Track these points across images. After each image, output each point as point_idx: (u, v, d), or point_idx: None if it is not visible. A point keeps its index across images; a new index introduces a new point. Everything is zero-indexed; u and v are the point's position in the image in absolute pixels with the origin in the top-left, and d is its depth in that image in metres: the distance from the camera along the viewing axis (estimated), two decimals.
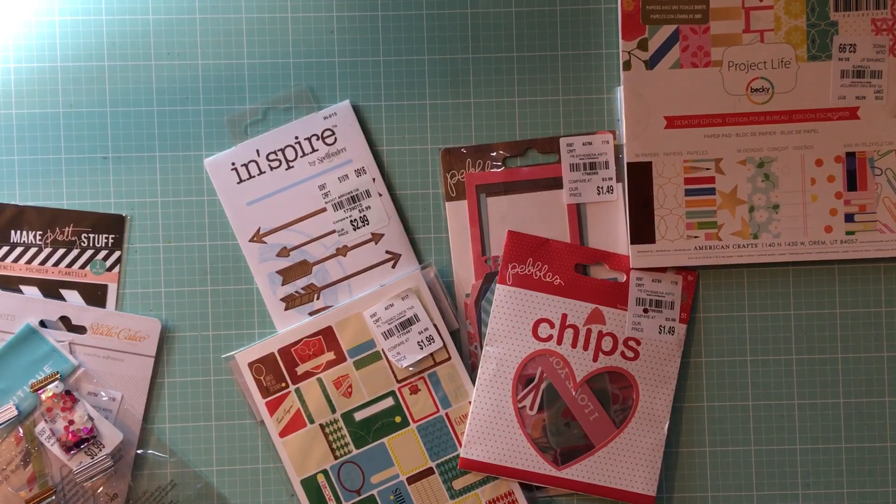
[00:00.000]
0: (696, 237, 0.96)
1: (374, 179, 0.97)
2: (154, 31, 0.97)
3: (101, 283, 0.96)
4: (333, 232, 0.97)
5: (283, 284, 0.97)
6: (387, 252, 0.97)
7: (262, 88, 0.97)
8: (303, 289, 0.97)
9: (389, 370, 0.96)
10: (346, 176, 0.97)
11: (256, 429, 0.97)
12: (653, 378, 0.97)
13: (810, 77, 0.96)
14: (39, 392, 0.92)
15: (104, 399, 0.95)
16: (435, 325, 0.96)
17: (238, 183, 0.97)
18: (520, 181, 0.98)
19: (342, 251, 0.97)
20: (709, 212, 0.96)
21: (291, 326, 0.96)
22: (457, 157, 0.98)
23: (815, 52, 0.96)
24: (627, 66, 0.96)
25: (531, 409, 0.96)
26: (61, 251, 0.96)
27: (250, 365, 0.96)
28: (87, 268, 0.96)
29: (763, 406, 0.98)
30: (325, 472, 0.96)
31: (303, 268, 0.97)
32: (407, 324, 0.96)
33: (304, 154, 0.97)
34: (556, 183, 0.98)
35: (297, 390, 0.96)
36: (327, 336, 0.96)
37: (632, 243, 0.96)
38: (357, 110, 0.97)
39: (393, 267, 0.97)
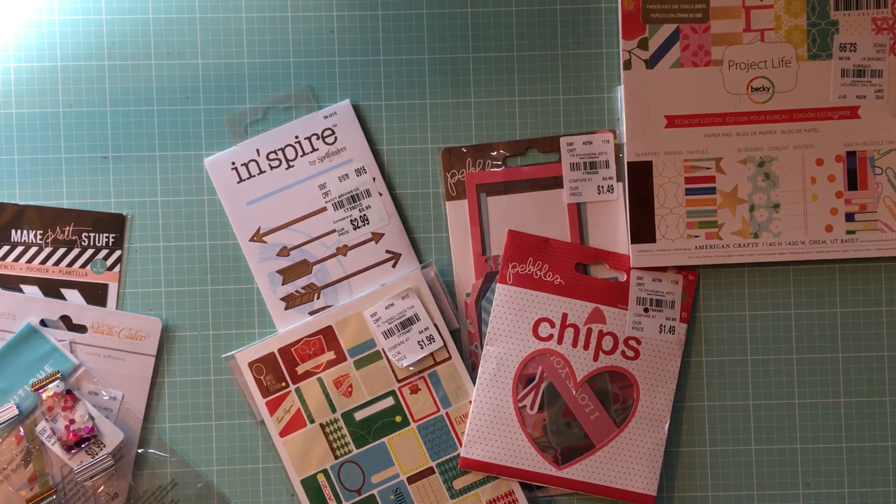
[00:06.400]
0: (696, 236, 0.96)
1: (374, 179, 0.97)
2: (154, 31, 0.97)
3: (101, 282, 0.96)
4: (333, 231, 0.97)
5: (283, 284, 0.97)
6: (387, 251, 0.97)
7: (262, 88, 0.97)
8: (303, 288, 0.97)
9: (389, 370, 0.96)
10: (347, 175, 0.97)
11: (256, 428, 0.97)
12: (653, 377, 0.97)
13: (811, 76, 0.96)
14: (40, 391, 0.92)
15: (105, 398, 0.95)
16: (435, 325, 0.96)
17: (238, 182, 0.97)
18: (520, 180, 0.98)
19: (342, 250, 0.97)
20: (709, 211, 0.96)
21: (291, 326, 0.96)
22: (457, 156, 0.98)
23: (815, 52, 0.96)
24: (628, 65, 0.96)
25: (531, 408, 0.96)
26: (62, 250, 0.96)
27: (250, 364, 0.96)
28: (88, 267, 0.96)
29: (763, 406, 0.98)
30: (325, 471, 0.96)
31: (303, 267, 0.97)
32: (407, 323, 0.96)
33: (305, 153, 0.97)
34: (556, 182, 0.98)
35: (298, 390, 0.96)
36: (327, 335, 0.96)
37: (632, 242, 0.96)
38: (357, 110, 0.97)
39: (393, 266, 0.97)
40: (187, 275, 0.97)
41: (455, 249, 0.98)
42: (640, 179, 0.96)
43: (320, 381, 0.96)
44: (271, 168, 0.97)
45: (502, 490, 0.96)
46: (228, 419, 0.97)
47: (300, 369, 0.96)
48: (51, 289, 0.96)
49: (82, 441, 0.92)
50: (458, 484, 0.96)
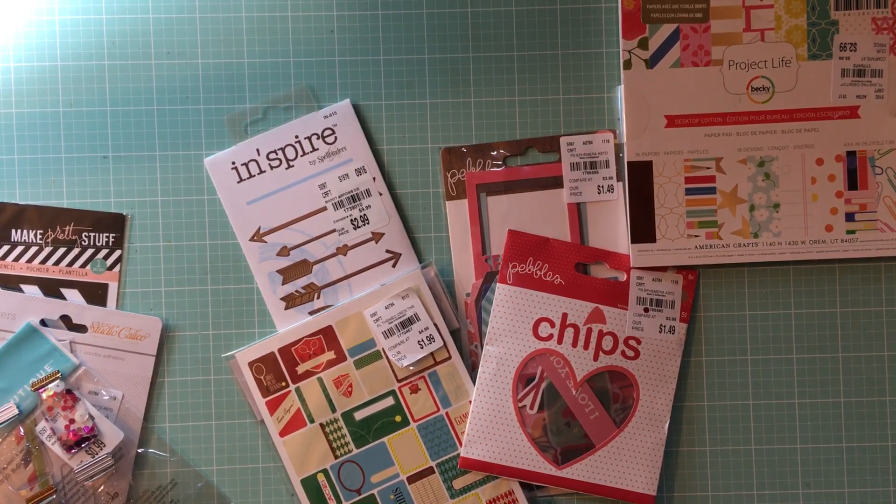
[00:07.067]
0: (696, 236, 0.96)
1: (374, 178, 0.97)
2: (154, 31, 0.97)
3: (101, 281, 0.96)
4: (334, 231, 0.97)
5: (283, 284, 0.97)
6: (387, 251, 0.97)
7: (262, 88, 0.97)
8: (303, 288, 0.97)
9: (389, 369, 0.96)
10: (347, 175, 0.97)
11: (256, 428, 0.97)
12: (653, 377, 0.97)
13: (811, 76, 0.96)
14: (40, 391, 0.92)
15: (105, 398, 0.95)
16: (435, 325, 0.96)
17: (238, 182, 0.97)
18: (520, 180, 0.98)
19: (342, 250, 0.97)
20: (709, 211, 0.96)
21: (291, 326, 0.96)
22: (457, 156, 0.98)
23: (815, 51, 0.96)
24: (628, 65, 0.96)
25: (531, 408, 0.96)
26: (62, 250, 0.96)
27: (250, 364, 0.96)
28: (88, 267, 0.96)
29: (763, 406, 0.98)
30: (325, 471, 0.96)
31: (303, 267, 0.97)
32: (407, 323, 0.96)
33: (305, 153, 0.97)
34: (556, 182, 0.98)
35: (298, 389, 0.96)
36: (327, 335, 0.96)
37: (632, 242, 0.96)
38: (357, 109, 0.97)
39: (393, 266, 0.97)
40: (187, 275, 0.97)
41: (455, 249, 0.98)
42: (640, 179, 0.96)
43: (320, 380, 0.96)
44: (271, 168, 0.97)
45: (502, 490, 0.96)
46: (228, 419, 0.97)
47: (300, 369, 0.96)
48: (51, 288, 0.96)
49: (82, 441, 0.92)
50: (458, 484, 0.96)
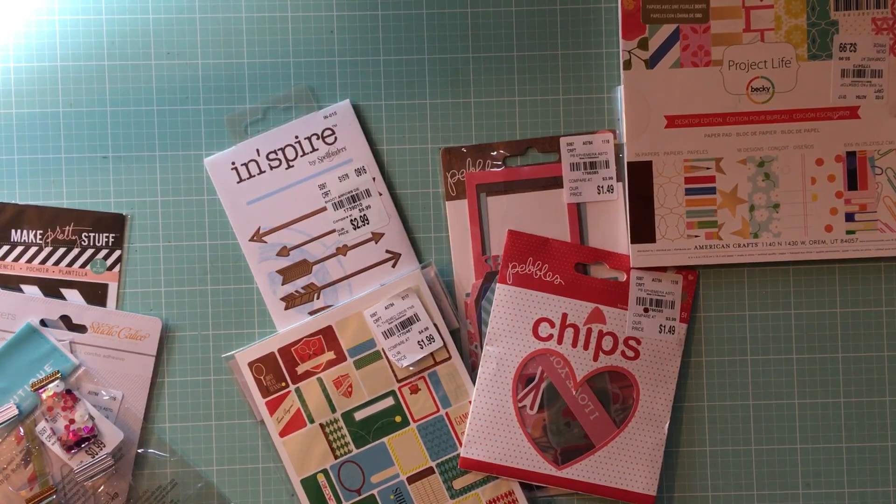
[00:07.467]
0: (696, 236, 0.96)
1: (374, 179, 0.97)
2: (154, 31, 0.97)
3: (101, 282, 0.96)
4: (333, 231, 0.97)
5: (283, 284, 0.97)
6: (387, 251, 0.97)
7: (262, 88, 0.97)
8: (303, 288, 0.97)
9: (389, 369, 0.96)
10: (347, 175, 0.97)
11: (256, 428, 0.97)
12: (653, 377, 0.97)
13: (811, 76, 0.96)
14: (40, 391, 0.92)
15: (105, 398, 0.95)
16: (435, 325, 0.96)
17: (238, 182, 0.97)
18: (520, 180, 0.98)
19: (342, 250, 0.97)
20: (709, 211, 0.96)
21: (291, 326, 0.96)
22: (457, 156, 0.98)
23: (815, 52, 0.96)
24: (628, 65, 0.96)
25: (531, 408, 0.96)
26: (62, 250, 0.96)
27: (250, 364, 0.96)
28: (88, 267, 0.96)
29: (763, 406, 0.98)
30: (325, 471, 0.96)
31: (303, 267, 0.97)
32: (407, 323, 0.96)
33: (305, 153, 0.97)
34: (556, 182, 0.98)
35: (297, 390, 0.96)
36: (327, 335, 0.96)
37: (632, 242, 0.96)
38: (357, 110, 0.97)
39: (393, 266, 0.97)
40: (187, 275, 0.97)
41: (455, 249, 0.98)
42: (640, 179, 0.96)
43: (320, 381, 0.96)
44: (271, 168, 0.97)
45: (502, 490, 0.96)
46: (228, 419, 0.97)
47: (300, 369, 0.96)
48: (51, 289, 0.96)
49: (82, 441, 0.92)
50: (458, 484, 0.96)
